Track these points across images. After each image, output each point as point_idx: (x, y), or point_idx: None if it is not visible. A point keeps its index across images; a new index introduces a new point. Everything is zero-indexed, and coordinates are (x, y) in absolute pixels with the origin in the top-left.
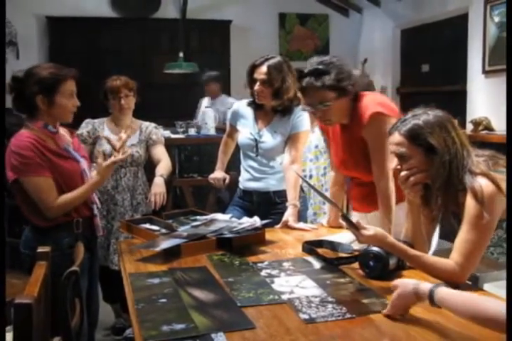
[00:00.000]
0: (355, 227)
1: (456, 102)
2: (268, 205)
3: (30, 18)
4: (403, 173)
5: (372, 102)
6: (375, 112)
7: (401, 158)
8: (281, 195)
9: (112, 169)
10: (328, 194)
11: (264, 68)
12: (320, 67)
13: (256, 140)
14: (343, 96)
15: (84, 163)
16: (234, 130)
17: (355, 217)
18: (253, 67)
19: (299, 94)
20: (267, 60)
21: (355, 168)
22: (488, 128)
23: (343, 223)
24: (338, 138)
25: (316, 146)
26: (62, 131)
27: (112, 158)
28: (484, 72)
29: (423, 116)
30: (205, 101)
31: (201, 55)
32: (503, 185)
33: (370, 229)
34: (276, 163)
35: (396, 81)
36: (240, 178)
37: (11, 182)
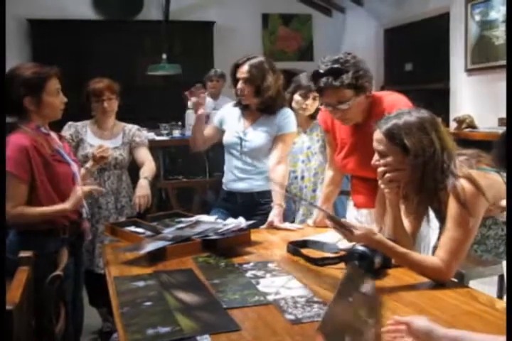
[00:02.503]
0: (343, 227)
1: (439, 100)
2: (252, 206)
3: (10, 20)
4: (380, 169)
5: (401, 101)
6: None
7: (380, 154)
8: (265, 195)
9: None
10: (318, 194)
11: (245, 67)
12: (336, 65)
13: (241, 138)
14: (361, 94)
15: (75, 166)
16: (215, 129)
17: (355, 214)
18: (236, 67)
19: (287, 96)
20: (248, 59)
21: (366, 166)
22: (472, 125)
23: (330, 223)
24: (348, 138)
25: (309, 147)
26: (53, 134)
27: (85, 188)
28: (466, 70)
29: (405, 116)
30: (210, 102)
31: (185, 57)
32: (485, 182)
33: (360, 228)
34: (261, 162)
35: (379, 80)
36: (224, 179)
37: None
